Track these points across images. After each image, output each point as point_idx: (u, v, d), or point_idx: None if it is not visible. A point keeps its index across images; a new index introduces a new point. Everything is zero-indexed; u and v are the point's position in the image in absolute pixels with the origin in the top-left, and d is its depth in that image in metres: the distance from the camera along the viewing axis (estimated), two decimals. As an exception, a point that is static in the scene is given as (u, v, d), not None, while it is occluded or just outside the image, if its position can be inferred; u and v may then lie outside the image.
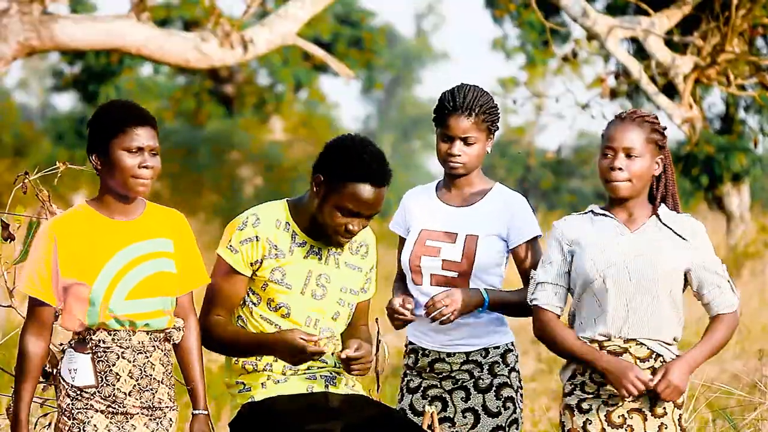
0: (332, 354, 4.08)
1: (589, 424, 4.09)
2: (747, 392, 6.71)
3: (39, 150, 26.07)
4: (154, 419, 3.92)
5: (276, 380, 4.03)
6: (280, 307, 4.02)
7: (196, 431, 4.01)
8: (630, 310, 4.08)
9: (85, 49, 9.67)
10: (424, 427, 4.31)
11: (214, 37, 9.68)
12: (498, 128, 4.52)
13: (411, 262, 4.47)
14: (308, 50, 10.28)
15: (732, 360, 10.03)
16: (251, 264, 4.00)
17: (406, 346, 4.57)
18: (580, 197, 32.58)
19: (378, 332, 4.34)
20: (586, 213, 4.23)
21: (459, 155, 4.42)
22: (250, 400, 4.05)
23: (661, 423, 4.11)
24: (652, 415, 4.10)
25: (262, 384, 4.04)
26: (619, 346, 4.10)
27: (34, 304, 3.89)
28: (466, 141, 4.42)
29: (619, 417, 4.09)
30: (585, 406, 4.11)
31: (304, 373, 4.05)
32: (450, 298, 4.32)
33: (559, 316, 4.20)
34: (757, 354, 6.62)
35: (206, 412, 4.04)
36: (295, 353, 3.89)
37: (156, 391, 3.92)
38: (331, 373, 4.08)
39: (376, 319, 4.47)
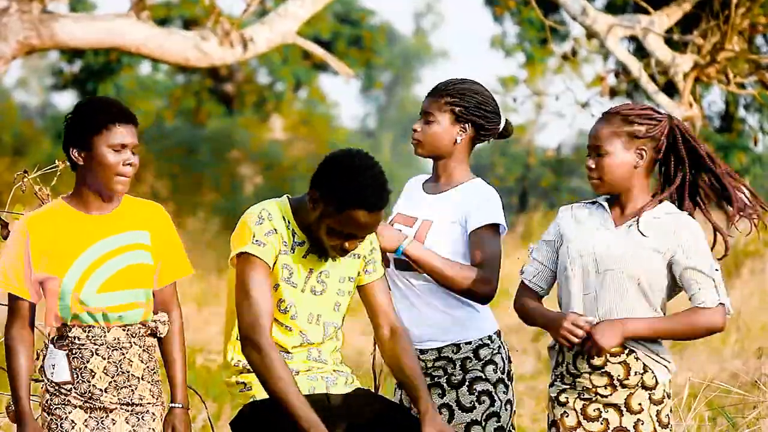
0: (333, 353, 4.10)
1: (566, 416, 4.11)
2: (746, 391, 6.72)
3: (38, 149, 26.06)
4: (135, 414, 3.93)
5: (277, 380, 4.02)
6: (289, 308, 4.00)
7: (168, 424, 4.02)
8: (598, 304, 4.09)
9: (85, 47, 9.67)
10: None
11: (214, 36, 9.68)
12: (473, 119, 4.47)
13: None
14: (308, 49, 10.28)
15: (731, 359, 10.03)
16: (276, 256, 3.94)
17: None
18: (580, 196, 32.56)
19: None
20: (592, 203, 4.27)
21: (416, 131, 4.46)
22: (251, 400, 4.03)
23: (638, 419, 4.10)
24: (627, 411, 4.10)
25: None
26: None
27: (12, 300, 3.92)
28: (425, 118, 4.45)
29: (594, 410, 4.10)
30: (562, 398, 4.13)
31: (306, 375, 4.04)
32: (381, 226, 4.25)
33: (540, 296, 4.25)
34: (757, 352, 6.62)
35: (181, 406, 4.04)
36: None
37: (136, 388, 3.92)
38: (332, 374, 4.08)
39: None
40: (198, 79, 29.84)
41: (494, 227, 4.40)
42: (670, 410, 4.17)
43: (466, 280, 4.30)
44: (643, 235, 4.12)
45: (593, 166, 4.14)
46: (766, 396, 6.09)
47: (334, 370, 4.09)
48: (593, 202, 4.27)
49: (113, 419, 3.90)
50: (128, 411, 3.93)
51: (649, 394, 4.11)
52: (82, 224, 3.91)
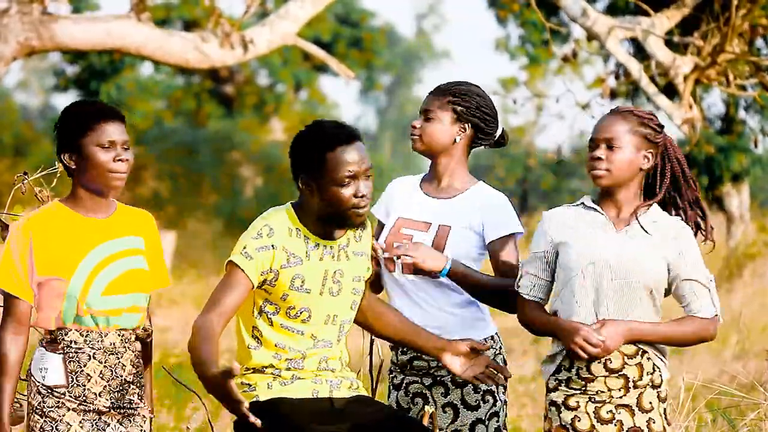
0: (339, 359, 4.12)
1: (578, 421, 4.09)
2: (746, 393, 6.72)
3: (39, 150, 26.09)
4: (127, 417, 3.96)
5: (282, 382, 4.04)
6: (301, 313, 4.02)
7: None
8: (609, 313, 4.08)
9: (85, 49, 9.67)
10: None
11: (215, 38, 9.69)
12: (473, 120, 4.50)
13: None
14: (308, 50, 10.29)
15: (732, 361, 10.03)
16: (262, 273, 3.97)
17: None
18: (580, 197, 32.54)
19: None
20: (577, 205, 4.25)
21: (416, 127, 4.50)
22: (254, 400, 4.05)
23: (649, 418, 4.11)
24: (639, 410, 4.11)
25: (267, 384, 4.04)
26: None
27: (11, 301, 3.90)
28: (426, 115, 4.49)
29: (607, 413, 4.09)
30: (572, 402, 4.11)
31: (311, 379, 4.04)
32: (415, 246, 4.34)
33: (541, 305, 4.23)
34: (758, 354, 6.62)
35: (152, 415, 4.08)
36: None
37: (126, 392, 3.95)
38: (336, 378, 4.09)
39: None
40: (198, 81, 29.87)
41: (512, 234, 4.45)
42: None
43: (503, 290, 4.35)
44: (646, 237, 4.13)
45: (603, 157, 4.12)
46: (766, 398, 6.09)
47: (340, 377, 4.09)
48: (577, 204, 4.25)
49: (106, 421, 3.92)
50: (121, 414, 3.95)
51: (657, 392, 4.14)
52: (83, 227, 3.92)
